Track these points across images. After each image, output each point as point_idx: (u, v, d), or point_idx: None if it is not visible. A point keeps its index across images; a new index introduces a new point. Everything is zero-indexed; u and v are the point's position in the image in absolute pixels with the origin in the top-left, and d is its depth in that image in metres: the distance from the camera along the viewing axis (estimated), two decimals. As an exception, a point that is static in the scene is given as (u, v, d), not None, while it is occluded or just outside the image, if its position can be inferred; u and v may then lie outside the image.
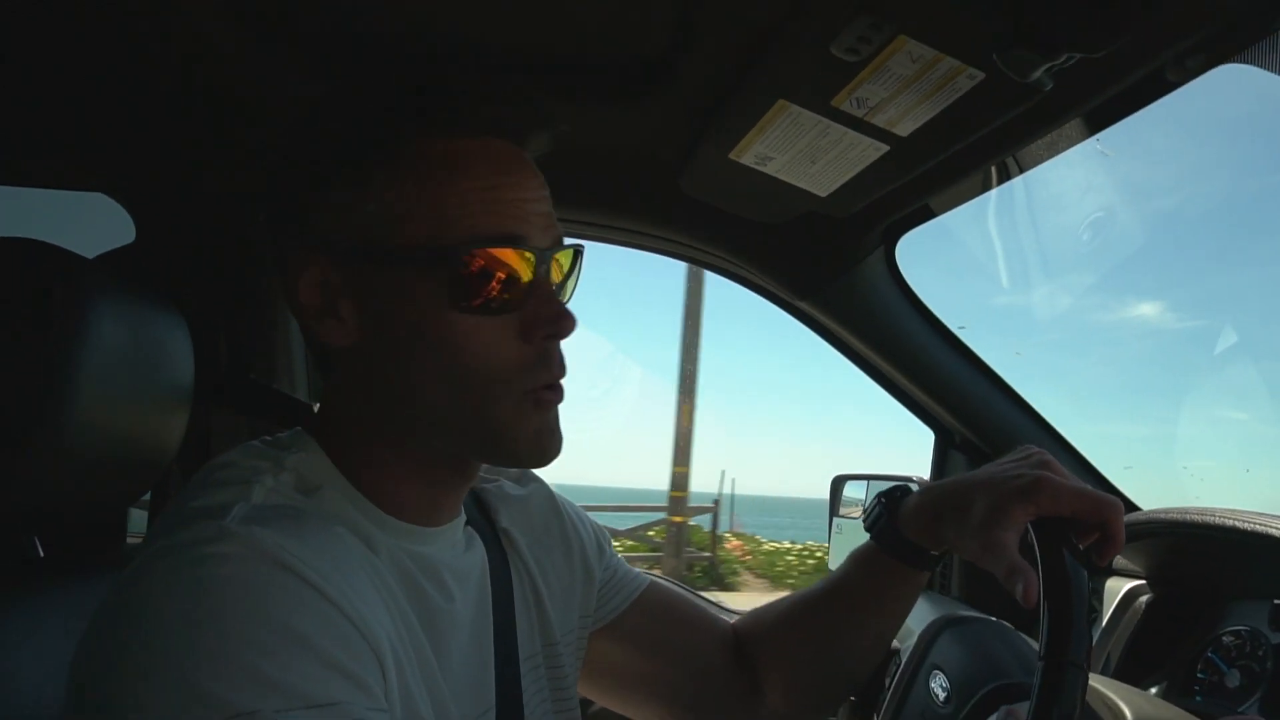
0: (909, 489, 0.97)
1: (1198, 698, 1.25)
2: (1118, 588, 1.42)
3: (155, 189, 1.36)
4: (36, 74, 1.09)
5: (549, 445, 0.76)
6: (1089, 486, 0.77)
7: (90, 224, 1.40)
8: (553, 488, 1.05)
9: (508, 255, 0.70)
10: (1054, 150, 1.15)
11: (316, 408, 0.84)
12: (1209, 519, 1.17)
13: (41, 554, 0.99)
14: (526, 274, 0.72)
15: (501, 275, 0.70)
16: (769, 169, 1.13)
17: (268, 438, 0.79)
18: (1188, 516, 1.21)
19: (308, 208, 0.73)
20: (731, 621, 1.13)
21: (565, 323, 0.73)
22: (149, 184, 1.36)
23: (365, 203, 0.70)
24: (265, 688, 0.56)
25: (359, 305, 0.72)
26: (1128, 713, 0.91)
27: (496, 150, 0.72)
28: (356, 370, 0.76)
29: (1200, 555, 1.29)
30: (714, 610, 1.15)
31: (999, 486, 0.79)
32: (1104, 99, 0.96)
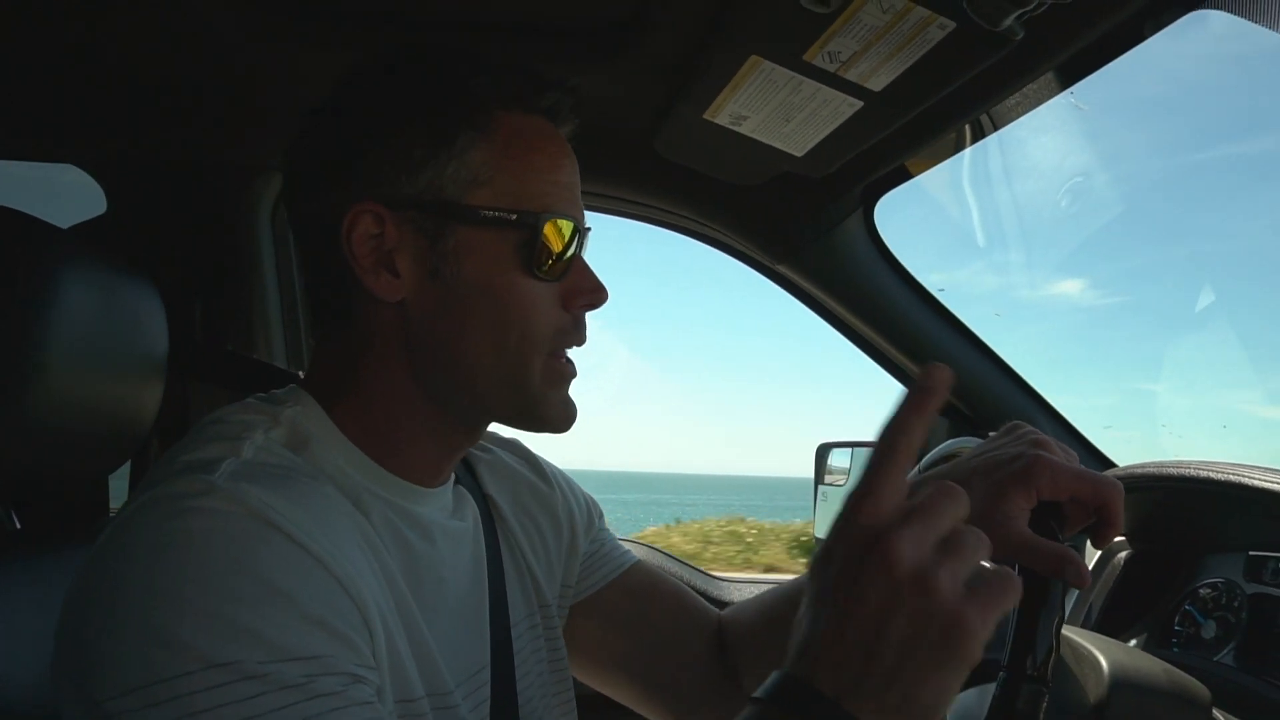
0: None
1: (1175, 649, 1.27)
2: (1096, 544, 1.43)
3: (125, 160, 1.35)
4: (3, 46, 1.08)
5: (572, 413, 0.82)
6: (1087, 469, 0.74)
7: (63, 197, 1.39)
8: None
9: (566, 228, 0.77)
10: (1028, 106, 1.15)
11: (303, 370, 0.84)
12: (1185, 471, 1.18)
13: (19, 526, 0.99)
14: (573, 248, 0.78)
15: (559, 246, 0.76)
16: (744, 129, 1.13)
17: (262, 394, 0.79)
18: (1164, 470, 1.22)
19: (369, 161, 0.75)
20: (720, 611, 1.11)
21: (601, 294, 0.81)
22: (119, 155, 1.34)
23: (446, 163, 0.74)
24: (247, 639, 0.56)
25: (418, 260, 0.75)
26: (1104, 663, 0.92)
27: (552, 134, 0.79)
28: (396, 324, 0.76)
29: (1177, 509, 1.30)
30: (701, 600, 1.11)
31: (995, 472, 0.74)
32: (1076, 49, 0.95)
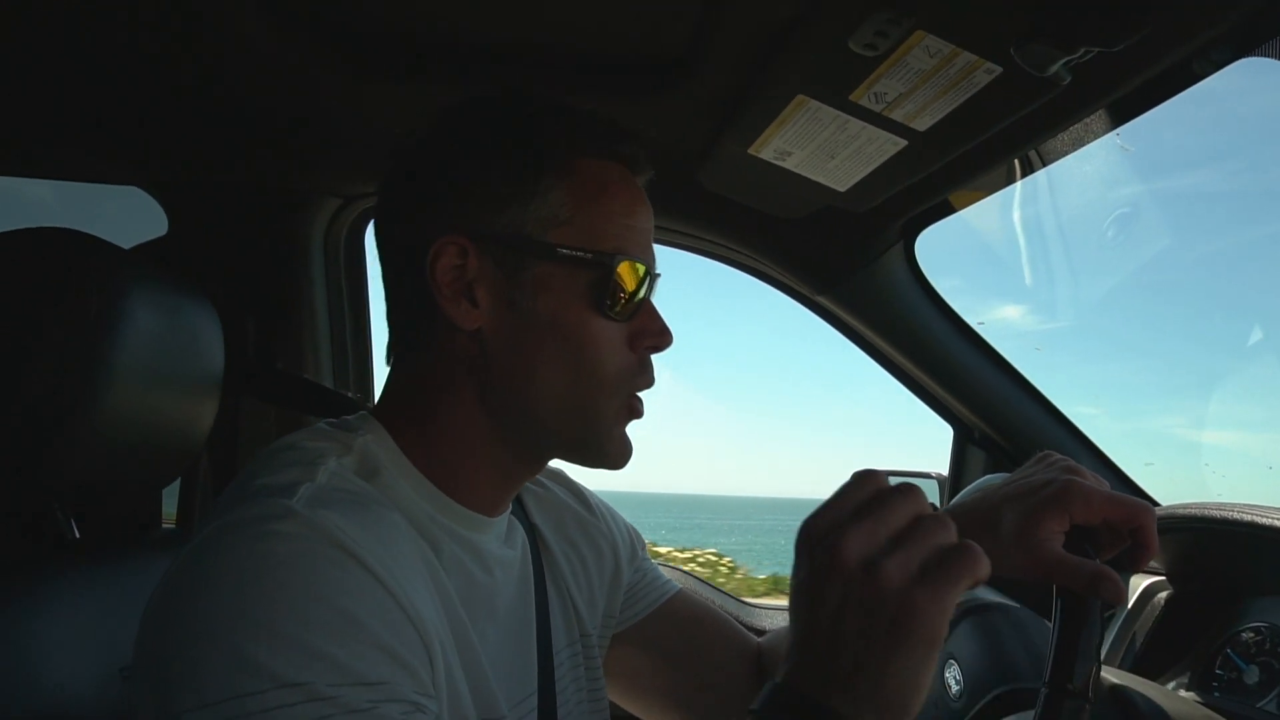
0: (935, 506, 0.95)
1: (1216, 694, 1.24)
2: (1137, 583, 1.41)
3: (187, 182, 1.40)
4: (72, 70, 1.12)
5: (629, 450, 0.84)
6: (1118, 492, 0.75)
7: (126, 217, 1.44)
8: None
9: (638, 271, 0.80)
10: (1074, 145, 1.15)
11: (377, 395, 0.86)
12: (1228, 514, 1.17)
13: (78, 536, 1.02)
14: (643, 291, 0.81)
15: (630, 288, 0.80)
16: (788, 164, 1.14)
17: (334, 420, 0.82)
18: (1207, 511, 1.20)
19: (459, 196, 0.79)
20: (759, 640, 1.12)
21: (666, 337, 0.83)
22: (181, 178, 1.39)
23: (529, 202, 0.78)
24: (318, 662, 0.58)
25: (496, 292, 0.78)
26: (1141, 706, 0.91)
27: (629, 179, 0.84)
28: (470, 353, 0.79)
29: (1220, 551, 1.28)
30: (741, 626, 1.13)
31: (1028, 497, 0.76)
32: (1123, 93, 0.96)
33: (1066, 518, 0.73)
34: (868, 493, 0.58)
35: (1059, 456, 0.81)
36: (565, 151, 0.80)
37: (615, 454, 0.83)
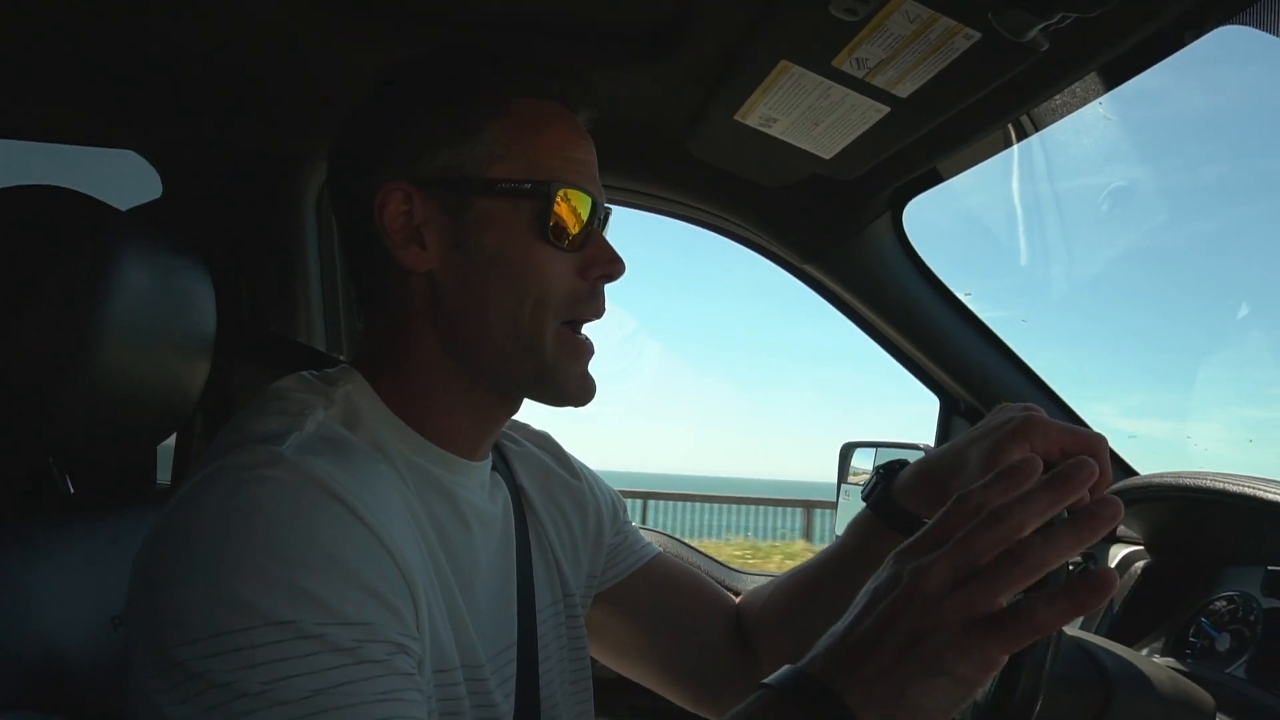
0: (907, 462, 0.98)
1: (1189, 660, 1.27)
2: (1115, 552, 1.44)
3: (181, 146, 1.40)
4: (67, 32, 1.13)
5: (590, 387, 0.86)
6: (1075, 425, 0.81)
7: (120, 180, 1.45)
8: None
9: (581, 201, 0.82)
10: (1059, 113, 1.16)
11: (340, 354, 0.88)
12: (1203, 483, 1.18)
13: (72, 491, 1.04)
14: (590, 222, 0.83)
15: (576, 216, 0.82)
16: (774, 131, 1.15)
17: (316, 372, 0.84)
18: (1182, 480, 1.22)
19: (400, 145, 0.81)
20: (737, 599, 1.15)
21: (618, 265, 0.85)
22: (175, 141, 1.40)
23: (465, 142, 0.80)
24: (305, 601, 0.60)
25: (442, 233, 0.81)
26: (1109, 665, 0.93)
27: (565, 115, 0.86)
28: (426, 296, 0.82)
29: (1196, 521, 1.30)
30: (720, 587, 1.16)
31: (990, 434, 0.81)
32: (1104, 60, 0.96)
33: (1027, 447, 0.77)
34: (960, 519, 0.59)
35: (1017, 404, 0.85)
36: (500, 91, 0.82)
37: (573, 389, 0.85)
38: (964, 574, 0.56)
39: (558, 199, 0.81)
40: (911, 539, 0.61)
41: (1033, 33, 0.84)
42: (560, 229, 0.81)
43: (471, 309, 0.81)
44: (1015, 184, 1.61)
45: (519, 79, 0.84)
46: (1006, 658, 0.55)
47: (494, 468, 0.93)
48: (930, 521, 0.61)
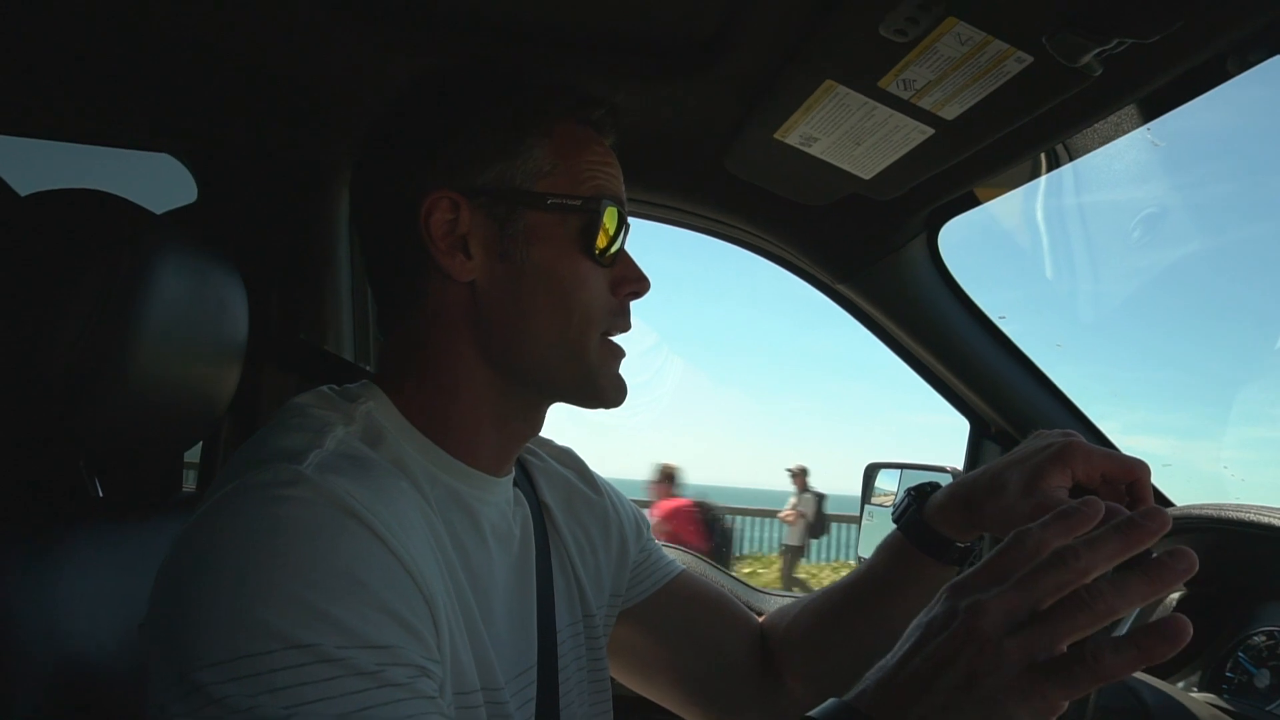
0: (939, 485, 0.97)
1: (1226, 696, 1.24)
2: (1149, 584, 1.41)
3: (217, 150, 1.41)
4: (107, 37, 1.13)
5: (623, 388, 0.89)
6: (1116, 451, 0.80)
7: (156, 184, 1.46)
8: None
9: (615, 219, 0.85)
10: (1103, 139, 1.14)
11: (368, 364, 0.88)
12: (1243, 515, 1.16)
13: (101, 495, 1.04)
14: (621, 239, 0.86)
15: (612, 233, 0.84)
16: (813, 150, 1.14)
17: (336, 387, 0.84)
18: (1223, 513, 1.20)
19: (450, 154, 0.82)
20: (761, 618, 1.14)
21: (645, 283, 0.88)
22: (211, 145, 1.41)
23: (515, 158, 0.82)
24: (326, 625, 0.59)
25: (489, 243, 0.82)
26: (1149, 701, 0.91)
27: (599, 138, 0.89)
28: (466, 305, 0.83)
29: (1233, 553, 1.28)
30: (744, 605, 1.15)
31: (1031, 458, 0.81)
32: (1155, 87, 0.95)
33: (1068, 474, 0.78)
34: (1020, 559, 0.57)
35: (1056, 430, 0.85)
36: (545, 113, 0.85)
37: (610, 391, 0.87)
38: (1023, 615, 0.54)
39: (600, 211, 0.83)
40: (966, 573, 0.59)
41: (1087, 58, 0.83)
42: (600, 244, 0.83)
43: (515, 319, 0.82)
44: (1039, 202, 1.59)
45: (564, 103, 0.86)
46: (1067, 704, 0.53)
47: (516, 484, 0.92)
48: (986, 556, 0.59)
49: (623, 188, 0.89)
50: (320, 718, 0.57)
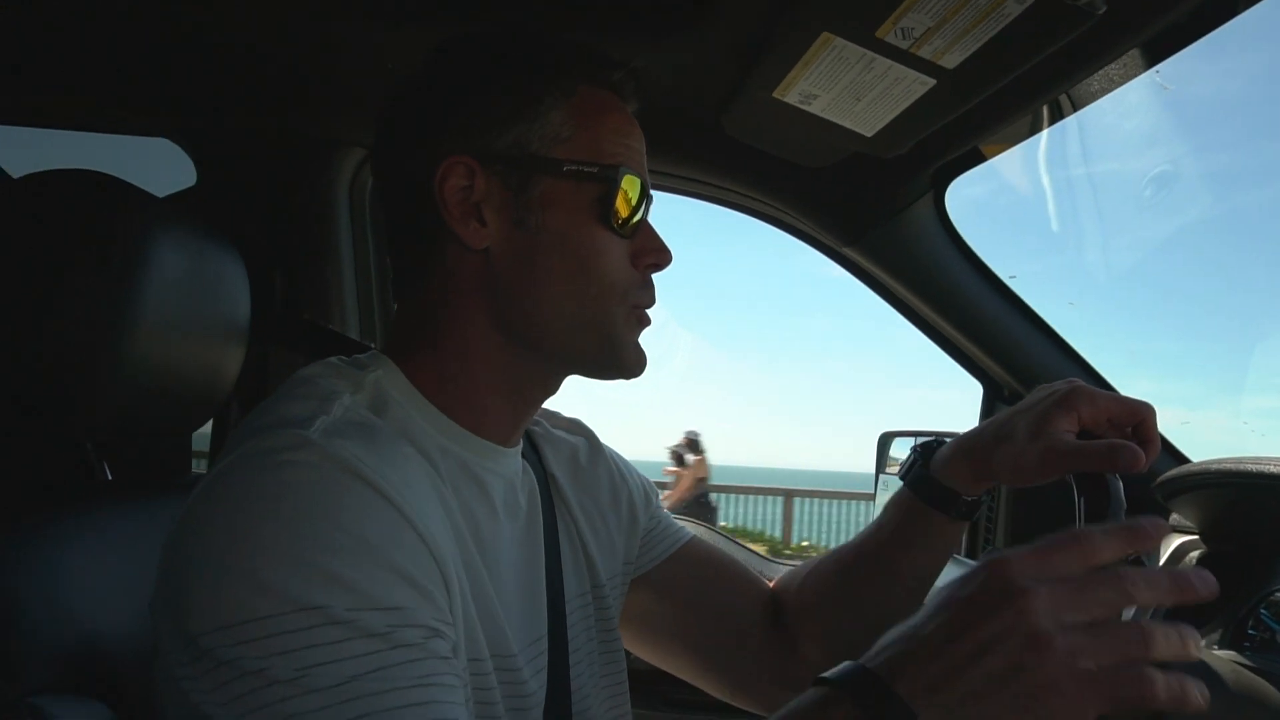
0: (944, 441, 0.97)
1: (1248, 652, 1.22)
2: (1169, 541, 1.39)
3: (215, 133, 1.41)
4: (103, 22, 1.13)
5: (644, 359, 0.87)
6: (1122, 395, 0.81)
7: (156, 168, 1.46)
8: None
9: (636, 189, 0.82)
10: (1109, 86, 1.11)
11: (374, 342, 0.87)
12: (1265, 469, 1.13)
13: (109, 478, 1.05)
14: (642, 210, 0.83)
15: (633, 203, 0.82)
16: (813, 107, 1.12)
17: (345, 358, 0.83)
18: (1243, 466, 1.17)
19: (464, 119, 0.80)
20: (771, 582, 1.13)
21: (666, 255, 0.85)
22: (209, 128, 1.40)
23: (533, 122, 0.80)
24: (336, 586, 0.59)
25: (503, 210, 0.80)
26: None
27: (621, 104, 0.86)
28: (480, 273, 0.81)
29: (1255, 508, 1.25)
30: (756, 571, 1.14)
31: (1036, 405, 0.82)
32: (1162, 26, 0.92)
33: (1075, 417, 0.78)
34: (1075, 559, 0.55)
35: (1059, 380, 0.85)
36: (564, 75, 0.82)
37: (631, 362, 0.85)
38: (1073, 619, 0.52)
39: (622, 184, 0.80)
40: (1009, 551, 0.55)
41: (1089, -6, 0.80)
42: (620, 215, 0.81)
43: (531, 286, 0.81)
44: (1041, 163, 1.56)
45: (584, 65, 0.84)
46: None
47: (524, 455, 0.92)
48: (1037, 542, 0.55)
49: (644, 156, 0.86)
50: (332, 678, 0.57)
